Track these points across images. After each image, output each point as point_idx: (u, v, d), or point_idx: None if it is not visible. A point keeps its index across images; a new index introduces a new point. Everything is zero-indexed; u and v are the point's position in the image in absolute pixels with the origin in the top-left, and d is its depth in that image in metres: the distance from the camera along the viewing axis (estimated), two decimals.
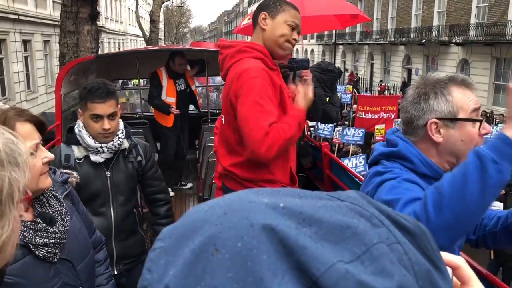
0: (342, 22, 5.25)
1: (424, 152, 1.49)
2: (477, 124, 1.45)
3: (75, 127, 2.42)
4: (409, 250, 0.39)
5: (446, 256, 0.57)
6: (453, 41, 22.08)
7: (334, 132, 12.73)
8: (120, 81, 11.28)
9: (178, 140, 5.70)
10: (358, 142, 11.69)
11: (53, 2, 20.42)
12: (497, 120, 16.29)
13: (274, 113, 2.12)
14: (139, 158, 2.60)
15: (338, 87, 23.45)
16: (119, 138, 2.45)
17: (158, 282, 0.37)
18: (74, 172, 1.91)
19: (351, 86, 23.58)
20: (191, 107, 6.04)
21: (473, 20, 21.32)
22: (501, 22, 18.97)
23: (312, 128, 13.17)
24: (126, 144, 2.52)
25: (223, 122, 2.35)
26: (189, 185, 5.98)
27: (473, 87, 1.50)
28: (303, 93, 2.33)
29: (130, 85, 13.39)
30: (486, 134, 1.49)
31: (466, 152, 1.36)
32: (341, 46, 36.69)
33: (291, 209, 0.37)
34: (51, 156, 1.54)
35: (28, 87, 18.29)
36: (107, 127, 2.34)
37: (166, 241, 0.39)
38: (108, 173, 2.47)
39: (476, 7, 21.34)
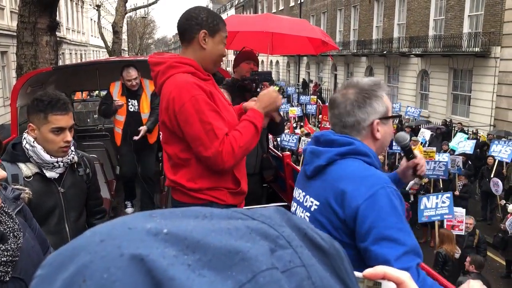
0: (315, 47, 5.36)
1: None
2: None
3: (23, 143, 2.27)
4: (315, 273, 0.38)
5: (390, 271, 0.59)
6: (413, 52, 22.75)
7: (299, 142, 12.90)
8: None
9: (138, 157, 5.45)
10: None
11: (11, 12, 19.86)
12: (456, 129, 16.85)
13: (222, 124, 2.19)
14: (87, 170, 2.55)
15: (303, 97, 23.84)
16: (72, 151, 2.39)
17: None
18: (26, 188, 1.84)
19: (316, 97, 23.96)
20: None
21: (431, 32, 22.05)
22: (457, 35, 19.70)
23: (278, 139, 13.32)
24: (75, 158, 2.46)
25: (161, 139, 2.37)
26: (129, 210, 5.61)
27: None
28: (268, 97, 2.35)
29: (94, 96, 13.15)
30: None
31: (388, 143, 1.79)
32: (305, 58, 37.21)
33: (175, 235, 0.36)
34: (2, 174, 1.49)
35: None
36: (69, 139, 2.28)
37: (46, 269, 0.37)
38: (61, 189, 2.38)
39: (434, 19, 22.10)
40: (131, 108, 5.20)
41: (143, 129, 5.10)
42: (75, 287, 0.34)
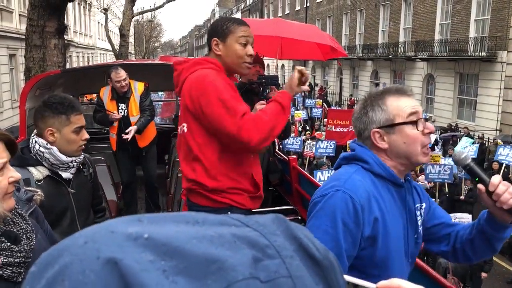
0: (324, 53, 5.34)
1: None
2: (420, 125, 1.56)
3: (35, 146, 2.26)
4: (302, 285, 0.37)
5: (406, 285, 0.58)
6: (419, 56, 22.67)
7: (304, 145, 12.88)
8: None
9: (138, 162, 5.42)
10: (330, 154, 11.88)
11: (20, 15, 20.03)
12: (462, 133, 16.76)
13: (241, 106, 2.20)
14: (90, 170, 2.59)
15: (309, 101, 23.84)
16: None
17: None
18: (38, 190, 1.86)
19: (321, 100, 23.94)
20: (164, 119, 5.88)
21: (437, 37, 21.98)
22: (463, 39, 19.63)
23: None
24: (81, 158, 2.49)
25: (185, 131, 2.35)
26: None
27: (408, 93, 1.62)
28: (296, 79, 2.32)
29: None
30: (431, 132, 1.59)
31: (413, 151, 1.56)
32: (311, 61, 37.17)
33: (155, 241, 0.36)
34: (17, 175, 1.51)
35: None
36: (87, 136, 2.36)
37: (37, 266, 0.39)
38: (71, 190, 2.40)
39: (440, 24, 22.04)
40: (121, 112, 5.12)
41: (133, 128, 5.02)
42: (55, 285, 0.35)
